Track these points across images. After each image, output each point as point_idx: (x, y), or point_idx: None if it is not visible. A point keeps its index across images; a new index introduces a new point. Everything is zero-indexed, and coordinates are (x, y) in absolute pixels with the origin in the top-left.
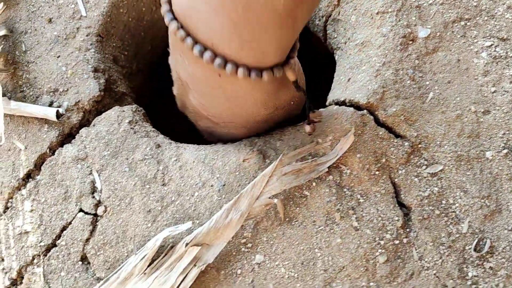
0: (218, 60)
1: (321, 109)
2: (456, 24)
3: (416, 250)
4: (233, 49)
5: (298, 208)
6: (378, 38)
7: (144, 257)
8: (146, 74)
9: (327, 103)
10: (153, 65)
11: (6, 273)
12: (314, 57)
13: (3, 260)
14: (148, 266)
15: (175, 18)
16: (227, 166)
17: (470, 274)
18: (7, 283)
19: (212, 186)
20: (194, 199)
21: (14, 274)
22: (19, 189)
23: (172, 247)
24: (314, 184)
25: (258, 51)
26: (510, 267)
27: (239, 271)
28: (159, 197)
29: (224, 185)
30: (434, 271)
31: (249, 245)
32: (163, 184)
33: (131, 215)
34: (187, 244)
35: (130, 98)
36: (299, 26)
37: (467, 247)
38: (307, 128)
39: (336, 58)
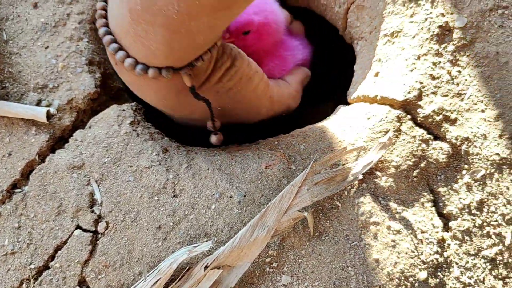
0: (113, 45)
1: (343, 108)
2: (493, 13)
3: (457, 265)
4: (128, 41)
5: (328, 221)
6: (412, 28)
7: (156, 282)
8: None
9: (350, 99)
10: None
11: None
12: (328, 48)
13: None
14: None
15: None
16: (247, 174)
17: None
18: None
19: (231, 197)
20: (211, 212)
21: None
22: (3, 202)
23: (188, 269)
24: (346, 193)
25: (149, 49)
26: None
27: None
28: (170, 210)
29: (244, 196)
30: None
31: (275, 264)
32: (174, 196)
33: (138, 232)
34: (206, 267)
35: (127, 95)
36: (197, 39)
37: (510, 260)
38: (213, 138)
39: (357, 49)
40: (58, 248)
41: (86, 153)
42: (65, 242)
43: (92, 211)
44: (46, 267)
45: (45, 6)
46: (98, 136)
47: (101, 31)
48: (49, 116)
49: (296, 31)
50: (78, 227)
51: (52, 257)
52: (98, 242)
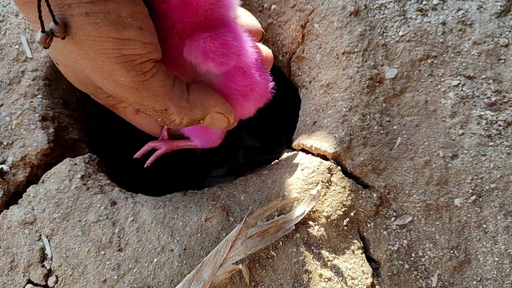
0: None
1: (286, 154)
2: (423, 62)
3: None
4: None
5: (264, 271)
6: (344, 80)
7: None
8: (99, 113)
9: (293, 145)
10: None
11: None
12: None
13: None
14: None
15: None
16: (188, 227)
17: None
18: None
19: (172, 250)
20: (153, 265)
21: None
22: None
23: None
24: (281, 243)
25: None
26: None
27: None
28: (115, 264)
29: (185, 249)
30: None
31: None
32: (119, 250)
33: (85, 285)
34: None
35: (84, 144)
36: None
37: None
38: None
39: (301, 96)
40: None
41: (38, 209)
42: None
43: (43, 266)
44: None
45: (0, 64)
46: (49, 191)
47: None
48: (2, 173)
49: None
50: (29, 281)
51: None
52: None
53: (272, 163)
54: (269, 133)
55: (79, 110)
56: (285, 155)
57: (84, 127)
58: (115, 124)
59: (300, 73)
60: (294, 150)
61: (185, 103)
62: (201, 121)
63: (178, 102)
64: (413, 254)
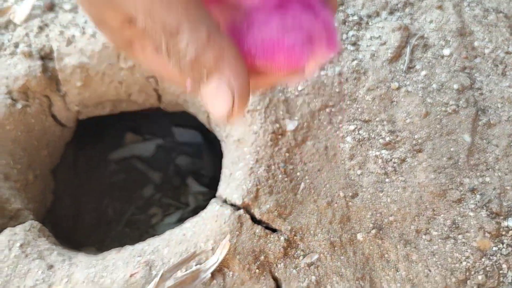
0: None
1: (209, 205)
2: (322, 112)
3: None
4: None
5: None
6: (251, 135)
7: None
8: (48, 176)
9: (216, 195)
10: (56, 165)
11: None
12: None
13: None
14: None
15: None
16: (115, 284)
17: None
18: None
19: None
20: None
21: None
22: None
23: None
24: None
25: None
26: None
27: None
28: None
29: None
30: None
31: None
32: None
33: None
34: None
35: (27, 211)
36: None
37: None
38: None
39: (222, 149)
40: None
41: None
42: None
43: None
44: None
45: None
46: None
47: None
48: None
49: None
50: None
51: None
52: None
53: (198, 214)
54: (214, 178)
55: (21, 181)
56: (208, 206)
57: (29, 196)
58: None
59: (218, 129)
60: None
61: (205, 35)
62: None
63: (196, 28)
64: None
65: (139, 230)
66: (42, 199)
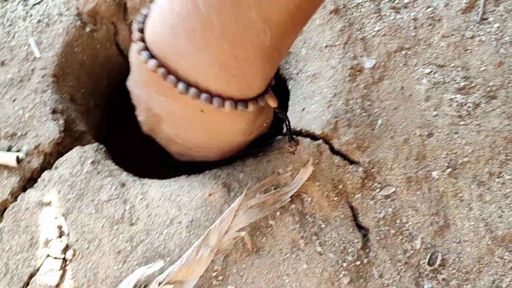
0: (203, 96)
1: (279, 137)
2: (398, 54)
3: (376, 269)
4: (218, 84)
5: (264, 238)
6: (328, 70)
7: None
8: (104, 109)
9: (283, 131)
10: (110, 99)
11: None
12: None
13: None
14: None
15: (152, 56)
16: (193, 202)
17: (425, 287)
18: None
19: (180, 222)
20: (163, 237)
21: None
22: None
23: (145, 287)
24: (278, 213)
25: (244, 85)
26: (460, 277)
27: None
28: (128, 237)
29: (192, 221)
30: (394, 287)
31: (220, 277)
32: (131, 224)
33: (101, 257)
34: (160, 283)
35: (90, 136)
36: (282, 57)
37: (421, 262)
38: (288, 147)
39: (289, 88)
40: (32, 275)
41: (53, 191)
42: (38, 269)
43: (61, 241)
44: None
45: (11, 63)
46: (63, 176)
47: (191, 92)
48: (18, 160)
49: None
50: (48, 255)
51: (27, 284)
52: (67, 267)
53: (266, 148)
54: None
55: (84, 106)
56: (277, 140)
57: (90, 122)
58: (120, 122)
59: (288, 67)
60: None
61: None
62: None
63: None
64: (398, 221)
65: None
66: (98, 129)
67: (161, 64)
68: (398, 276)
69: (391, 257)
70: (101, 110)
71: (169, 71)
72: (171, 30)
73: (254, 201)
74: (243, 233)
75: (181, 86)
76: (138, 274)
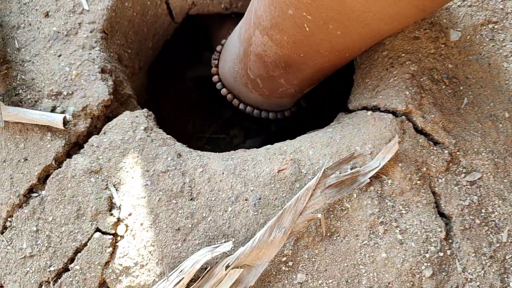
0: (256, 112)
1: (346, 115)
2: (484, 27)
3: (459, 262)
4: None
5: (339, 222)
6: (412, 43)
7: (179, 282)
8: (146, 73)
9: (350, 107)
10: (152, 63)
11: None
12: None
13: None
14: None
15: (223, 86)
16: (260, 178)
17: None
18: None
19: (246, 200)
20: (228, 214)
21: None
22: (20, 207)
23: (208, 269)
24: (355, 195)
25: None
26: None
27: None
28: (188, 213)
29: (259, 199)
30: (477, 283)
31: (290, 263)
32: (191, 199)
33: (158, 234)
34: (227, 267)
35: (135, 101)
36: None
37: (507, 257)
38: None
39: (357, 60)
40: (77, 251)
41: (103, 158)
42: (85, 244)
43: (111, 214)
44: (65, 269)
45: (57, 15)
46: (114, 141)
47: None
48: (65, 122)
49: None
50: (97, 230)
51: (71, 260)
52: (118, 244)
53: (331, 124)
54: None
55: (130, 68)
56: (344, 115)
57: (134, 86)
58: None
59: None
60: (351, 112)
61: None
62: None
63: None
64: (483, 210)
65: (220, 149)
66: (140, 94)
67: (229, 92)
68: (482, 271)
69: (475, 250)
70: (144, 74)
71: (234, 95)
72: (234, 79)
73: (332, 179)
74: (319, 215)
75: (241, 105)
76: (203, 255)
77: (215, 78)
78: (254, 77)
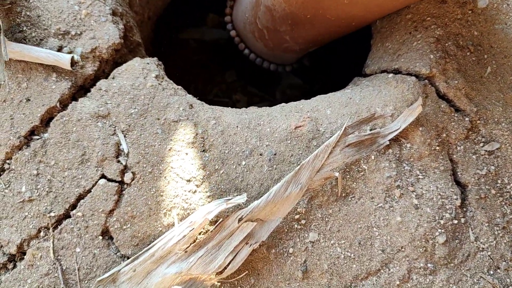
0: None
1: (363, 78)
2: None
3: (472, 230)
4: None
5: (355, 183)
6: (437, 5)
7: (188, 233)
8: (153, 24)
9: (367, 71)
10: (161, 15)
11: (1, 247)
12: None
13: None
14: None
15: (233, 27)
16: (276, 134)
17: None
18: (3, 259)
19: (261, 155)
20: (241, 168)
21: (13, 249)
22: (20, 149)
23: (219, 221)
24: (372, 157)
25: None
26: None
27: (291, 250)
28: (200, 164)
29: (275, 154)
30: (489, 253)
31: (303, 221)
32: (203, 150)
33: (167, 184)
34: (240, 219)
35: (143, 50)
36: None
37: None
38: None
39: (376, 24)
40: (80, 197)
41: (112, 103)
42: (89, 191)
43: (118, 161)
44: (67, 215)
45: None
46: (123, 87)
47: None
48: (72, 63)
49: None
50: (103, 176)
51: (73, 206)
52: (124, 192)
53: (348, 86)
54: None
55: (140, 15)
56: (361, 79)
57: (142, 35)
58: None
59: None
60: (368, 76)
61: None
62: None
63: None
64: (499, 181)
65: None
66: (146, 46)
67: (237, 35)
68: (494, 242)
69: (489, 220)
70: (150, 25)
71: (241, 40)
72: (243, 25)
73: (352, 138)
74: (336, 174)
75: (246, 51)
76: (216, 206)
77: (227, 18)
78: (262, 28)
